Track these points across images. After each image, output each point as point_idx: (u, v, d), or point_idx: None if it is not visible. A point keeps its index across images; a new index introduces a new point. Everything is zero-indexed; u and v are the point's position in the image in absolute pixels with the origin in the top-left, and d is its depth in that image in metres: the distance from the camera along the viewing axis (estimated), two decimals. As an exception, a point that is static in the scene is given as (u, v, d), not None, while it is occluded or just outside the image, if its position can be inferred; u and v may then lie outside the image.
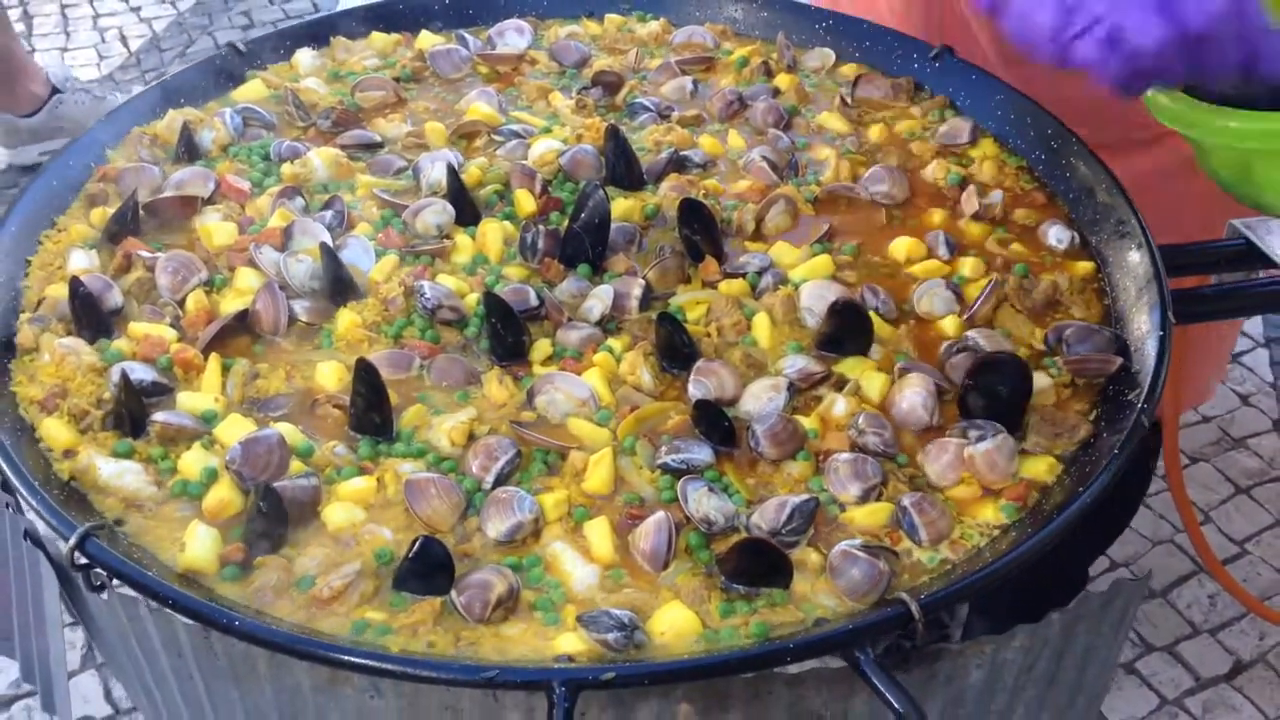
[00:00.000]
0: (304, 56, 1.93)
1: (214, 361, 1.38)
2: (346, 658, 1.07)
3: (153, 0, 4.73)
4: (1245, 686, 2.51)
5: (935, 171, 1.71)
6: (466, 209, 1.60)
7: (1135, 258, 1.49)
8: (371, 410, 1.31)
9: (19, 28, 4.46)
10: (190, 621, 1.11)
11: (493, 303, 1.40)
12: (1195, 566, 2.72)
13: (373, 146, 1.75)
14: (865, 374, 1.39)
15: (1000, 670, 1.15)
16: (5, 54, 3.61)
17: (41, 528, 1.22)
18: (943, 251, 1.58)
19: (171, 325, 1.44)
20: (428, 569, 1.16)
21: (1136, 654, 2.56)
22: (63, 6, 4.68)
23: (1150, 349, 1.37)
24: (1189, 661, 2.56)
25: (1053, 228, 1.60)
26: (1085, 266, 1.55)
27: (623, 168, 1.67)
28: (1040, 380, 1.36)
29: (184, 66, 1.90)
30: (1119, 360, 1.38)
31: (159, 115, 1.75)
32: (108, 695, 2.43)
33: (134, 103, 1.77)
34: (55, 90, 3.75)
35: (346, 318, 1.44)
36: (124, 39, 4.52)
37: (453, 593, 1.15)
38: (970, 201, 1.64)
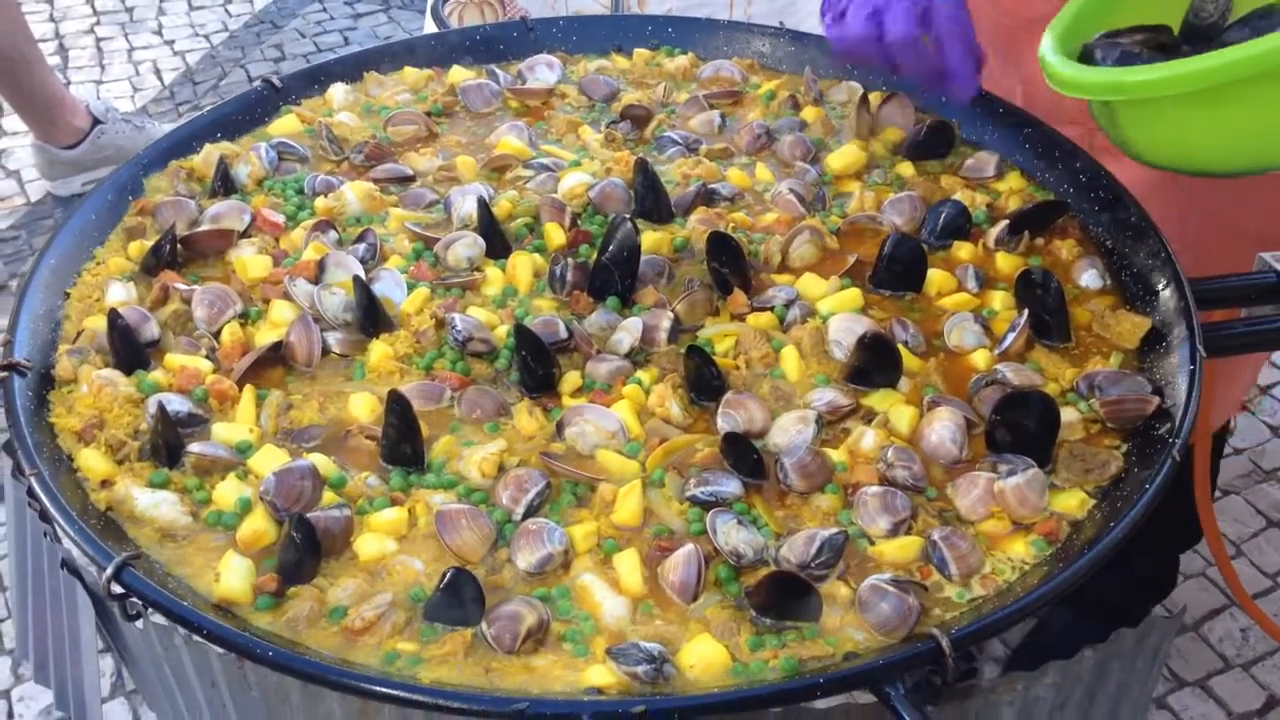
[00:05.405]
0: (337, 91, 1.96)
1: (248, 393, 1.40)
2: (379, 689, 1.07)
3: (186, 34, 4.80)
4: (1279, 723, 2.47)
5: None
6: (497, 242, 1.62)
7: (1165, 292, 1.49)
8: (403, 441, 1.32)
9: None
10: (224, 651, 1.12)
11: (523, 335, 1.41)
12: (1227, 600, 2.69)
13: (405, 180, 1.78)
14: (894, 407, 1.39)
15: (1032, 708, 1.14)
16: (40, 87, 3.67)
17: (78, 557, 1.24)
18: (972, 285, 1.58)
19: (207, 357, 1.46)
20: (458, 600, 1.16)
21: (1168, 689, 2.52)
22: (98, 40, 4.76)
23: (1181, 383, 1.36)
24: (1221, 697, 2.52)
25: (1080, 261, 1.61)
26: (1113, 301, 1.55)
27: (651, 201, 1.68)
28: (1068, 415, 1.36)
29: (217, 99, 1.93)
30: (1156, 400, 1.36)
31: (195, 149, 1.78)
32: (137, 723, 2.44)
33: (171, 137, 1.80)
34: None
35: (379, 350, 1.46)
36: (158, 71, 4.58)
37: (483, 624, 1.16)
38: (996, 234, 1.64)
